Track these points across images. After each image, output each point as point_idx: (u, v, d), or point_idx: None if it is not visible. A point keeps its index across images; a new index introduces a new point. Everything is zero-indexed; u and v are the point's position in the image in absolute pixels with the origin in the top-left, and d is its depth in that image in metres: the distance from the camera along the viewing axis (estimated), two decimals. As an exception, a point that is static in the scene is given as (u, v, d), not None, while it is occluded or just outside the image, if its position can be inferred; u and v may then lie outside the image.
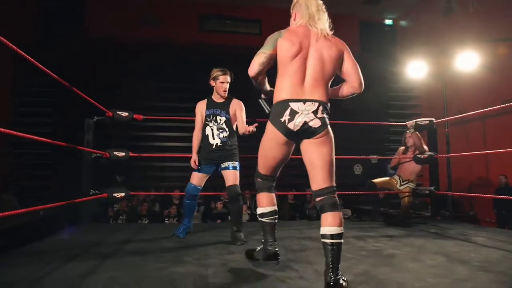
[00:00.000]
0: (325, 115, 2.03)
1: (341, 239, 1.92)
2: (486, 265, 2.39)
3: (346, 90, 2.18)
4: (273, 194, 2.24)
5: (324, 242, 1.91)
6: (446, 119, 4.96)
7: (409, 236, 3.55)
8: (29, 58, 2.39)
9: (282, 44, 2.03)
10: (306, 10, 2.11)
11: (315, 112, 1.99)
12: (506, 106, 3.88)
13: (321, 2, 2.18)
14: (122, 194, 4.00)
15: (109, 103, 4.22)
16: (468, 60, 5.50)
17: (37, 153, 8.07)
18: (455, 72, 6.00)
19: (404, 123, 5.29)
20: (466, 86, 6.99)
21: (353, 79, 2.12)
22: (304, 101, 1.99)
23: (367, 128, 9.23)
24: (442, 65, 6.00)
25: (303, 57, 2.01)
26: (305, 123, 1.98)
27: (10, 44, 2.14)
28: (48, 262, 2.38)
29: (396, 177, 4.78)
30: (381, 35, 10.26)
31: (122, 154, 4.07)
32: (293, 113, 1.98)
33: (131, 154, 4.15)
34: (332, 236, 1.90)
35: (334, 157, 2.04)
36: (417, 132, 4.59)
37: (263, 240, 2.20)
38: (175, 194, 7.09)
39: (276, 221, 2.21)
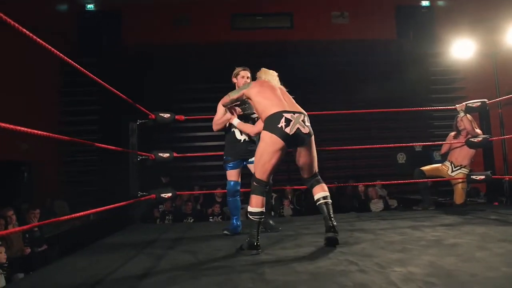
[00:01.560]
0: (309, 125, 2.63)
1: (329, 199, 2.69)
2: None
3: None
4: (264, 198, 2.62)
5: (319, 203, 2.68)
6: (498, 99, 4.65)
7: (468, 223, 3.35)
8: (76, 65, 2.44)
9: (252, 89, 2.83)
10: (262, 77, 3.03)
11: (303, 121, 2.57)
12: None
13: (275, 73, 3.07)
14: (170, 194, 4.06)
15: (148, 107, 4.30)
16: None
17: (84, 160, 8.40)
18: (504, 49, 5.63)
19: (447, 107, 5.03)
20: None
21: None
22: (294, 112, 2.56)
23: (408, 116, 8.91)
24: (490, 42, 5.64)
25: (275, 93, 2.73)
26: (298, 129, 2.51)
27: (58, 53, 2.19)
28: (106, 265, 2.43)
29: (448, 163, 4.55)
30: (418, 19, 9.82)
31: (167, 155, 4.13)
32: (288, 121, 2.50)
33: (175, 154, 4.20)
34: (324, 197, 2.68)
35: (316, 153, 2.74)
36: (467, 115, 4.34)
37: (249, 233, 2.60)
38: (218, 192, 7.17)
39: (262, 220, 2.64)
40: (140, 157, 4.24)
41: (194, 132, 8.81)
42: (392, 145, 7.50)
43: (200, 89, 8.95)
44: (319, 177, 2.77)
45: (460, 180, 4.40)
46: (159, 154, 4.08)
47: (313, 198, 2.74)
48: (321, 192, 2.68)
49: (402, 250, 2.42)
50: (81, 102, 8.61)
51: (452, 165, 4.50)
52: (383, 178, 7.61)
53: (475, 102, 4.35)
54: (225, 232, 3.36)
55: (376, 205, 6.86)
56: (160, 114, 4.09)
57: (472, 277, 1.82)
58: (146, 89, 8.29)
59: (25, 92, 7.31)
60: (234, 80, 3.46)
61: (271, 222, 3.42)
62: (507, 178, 4.62)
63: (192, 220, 6.50)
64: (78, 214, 2.61)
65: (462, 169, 4.43)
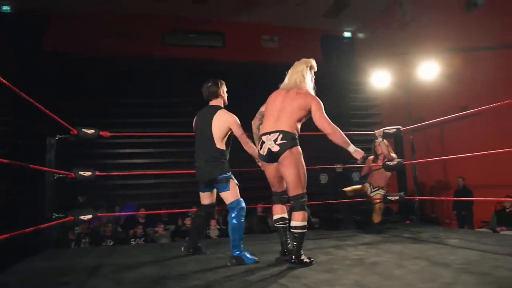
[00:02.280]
0: (284, 141, 2.69)
1: (304, 230, 2.73)
2: (467, 266, 2.44)
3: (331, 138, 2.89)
4: (283, 206, 2.96)
5: (292, 232, 2.73)
6: (410, 127, 5.13)
7: (385, 242, 3.59)
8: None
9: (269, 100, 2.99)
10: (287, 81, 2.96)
11: (275, 140, 2.71)
12: (463, 114, 4.07)
13: (303, 67, 2.98)
14: (89, 216, 3.78)
15: (71, 121, 4.01)
16: (429, 69, 5.77)
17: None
18: (416, 81, 6.26)
19: (368, 132, 5.43)
20: (426, 94, 7.31)
21: (324, 130, 2.86)
22: (270, 133, 2.76)
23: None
24: (403, 74, 6.25)
25: (275, 107, 2.84)
26: (269, 149, 2.73)
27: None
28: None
29: (367, 185, 4.87)
30: (341, 48, 10.57)
31: (88, 173, 3.85)
32: (262, 143, 2.79)
33: (97, 173, 3.94)
34: (296, 227, 2.70)
35: (301, 172, 2.72)
36: (384, 140, 4.71)
37: (280, 242, 2.96)
38: (141, 213, 6.84)
39: (287, 225, 2.90)
40: (58, 176, 3.90)
41: (119, 148, 8.38)
42: (314, 167, 7.82)
43: (129, 104, 8.61)
44: (302, 201, 2.72)
45: (378, 200, 4.72)
46: (80, 172, 3.79)
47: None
48: (296, 220, 2.70)
49: (329, 270, 2.51)
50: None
51: (371, 186, 4.82)
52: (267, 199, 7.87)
53: (391, 129, 4.74)
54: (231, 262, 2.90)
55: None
56: (83, 130, 3.82)
57: (394, 295, 1.94)
58: (69, 101, 7.77)
59: None
60: (222, 93, 3.23)
61: (199, 244, 3.37)
62: (417, 199, 5.06)
63: (111, 243, 6.09)
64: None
65: (380, 190, 4.76)
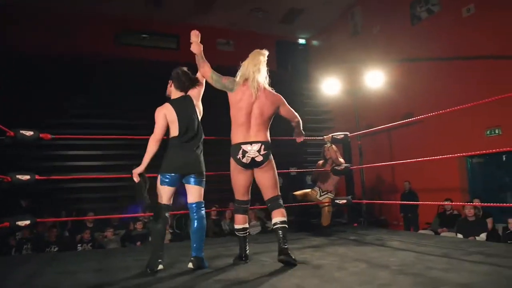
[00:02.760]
0: (266, 152, 2.86)
1: (286, 225, 2.88)
2: (404, 268, 2.56)
3: (294, 124, 3.19)
4: (246, 216, 3.05)
5: (275, 228, 2.86)
6: (358, 133, 5.32)
7: (332, 245, 3.69)
8: None
9: (233, 96, 2.87)
10: (242, 73, 2.89)
11: (259, 151, 2.82)
12: (408, 121, 4.29)
13: (261, 59, 2.93)
14: (27, 222, 3.56)
15: (17, 121, 3.78)
16: (375, 78, 6.02)
17: None
18: (364, 89, 6.51)
19: (320, 137, 5.56)
20: (374, 102, 7.63)
21: (292, 119, 3.10)
22: (251, 143, 2.82)
23: (285, 143, 9.55)
24: (352, 82, 6.48)
25: (248, 112, 2.82)
26: (252, 158, 2.83)
27: None
28: None
29: (316, 189, 4.98)
30: (295, 54, 10.78)
31: (27, 177, 3.63)
32: (244, 152, 2.82)
33: (37, 177, 3.73)
34: (281, 222, 2.86)
35: (276, 175, 2.97)
36: (333, 146, 4.84)
37: (239, 247, 3.03)
38: (89, 218, 6.58)
39: (247, 234, 3.06)
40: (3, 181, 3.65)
41: (63, 150, 8.00)
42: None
43: (77, 105, 8.27)
44: (280, 201, 2.94)
45: (326, 204, 4.84)
46: (18, 176, 3.57)
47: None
48: (279, 217, 2.87)
49: (272, 273, 2.54)
50: None
51: (320, 190, 4.94)
52: (258, 201, 7.94)
53: (339, 134, 4.89)
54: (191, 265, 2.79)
55: (254, 228, 7.09)
56: (21, 132, 3.60)
57: (330, 297, 1.99)
58: (17, 102, 7.36)
59: None
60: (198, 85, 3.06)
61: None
62: (365, 202, 5.25)
63: (56, 249, 5.80)
64: None
65: (329, 194, 4.89)
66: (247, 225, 3.06)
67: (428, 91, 7.13)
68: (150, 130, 2.90)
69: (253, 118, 2.84)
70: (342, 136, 4.88)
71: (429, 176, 7.23)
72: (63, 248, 5.87)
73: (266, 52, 3.00)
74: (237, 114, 2.86)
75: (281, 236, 2.80)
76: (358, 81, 6.40)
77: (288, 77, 10.40)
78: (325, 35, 10.44)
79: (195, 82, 3.02)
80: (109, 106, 8.22)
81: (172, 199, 2.93)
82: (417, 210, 7.45)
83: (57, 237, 6.10)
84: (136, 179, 2.78)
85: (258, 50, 2.98)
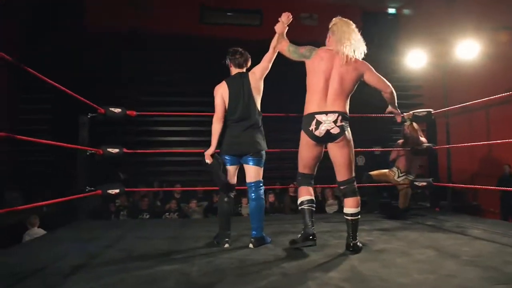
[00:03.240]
0: (343, 123, 2.60)
1: (358, 216, 2.64)
2: (476, 259, 2.34)
3: (385, 97, 2.82)
4: (311, 188, 2.77)
5: (346, 219, 2.63)
6: (445, 109, 4.86)
7: (404, 229, 3.50)
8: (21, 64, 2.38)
9: (310, 63, 2.68)
10: (334, 37, 2.68)
11: (335, 122, 2.57)
12: (509, 94, 3.79)
13: (352, 27, 2.72)
14: (117, 191, 4.00)
15: (109, 98, 4.18)
16: (469, 49, 5.39)
17: (38, 150, 8.09)
18: (456, 61, 5.88)
19: (404, 114, 5.19)
20: (468, 76, 6.86)
21: (383, 89, 2.75)
22: (327, 112, 2.59)
23: (369, 120, 9.14)
24: (442, 54, 5.87)
25: (326, 78, 2.61)
26: (327, 130, 2.57)
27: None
28: (39, 259, 2.39)
29: (395, 169, 4.72)
30: (384, 25, 10.09)
31: (116, 150, 4.06)
32: (318, 123, 2.58)
33: (125, 150, 4.14)
34: (352, 215, 2.63)
35: (353, 154, 2.68)
36: (413, 124, 4.51)
37: (303, 225, 2.66)
38: (177, 189, 7.14)
39: (314, 208, 2.72)
40: (89, 152, 4.15)
41: (155, 126, 8.70)
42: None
43: (163, 82, 8.86)
44: (355, 185, 2.68)
45: (405, 186, 4.58)
46: (108, 149, 4.01)
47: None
48: (352, 207, 2.63)
49: (331, 255, 2.51)
50: (35, 89, 8.21)
51: (399, 171, 4.67)
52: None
53: (421, 112, 4.52)
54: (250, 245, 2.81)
55: (331, 207, 7.02)
56: (110, 109, 4.02)
57: (382, 282, 1.92)
58: (108, 80, 8.15)
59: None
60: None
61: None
62: (450, 186, 4.84)
63: (147, 216, 6.43)
64: (19, 207, 2.65)
65: (408, 175, 4.61)
66: (312, 197, 2.74)
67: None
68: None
69: (332, 85, 2.61)
70: (425, 113, 4.50)
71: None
72: (153, 215, 6.49)
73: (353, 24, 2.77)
74: (313, 80, 2.65)
75: (351, 230, 2.61)
76: (448, 52, 5.77)
77: (373, 50, 9.79)
78: (417, 2, 9.56)
79: (248, 58, 3.00)
80: (191, 85, 8.64)
81: (235, 177, 2.97)
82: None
83: (148, 206, 6.74)
84: (209, 160, 2.85)
85: (343, 19, 2.77)
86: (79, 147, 4.04)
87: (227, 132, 2.93)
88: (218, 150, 2.92)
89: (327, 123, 2.57)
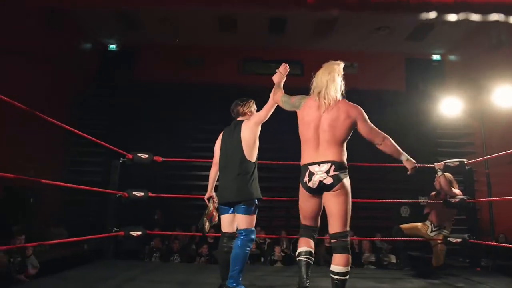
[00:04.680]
0: (338, 173, 2.47)
1: (347, 276, 2.43)
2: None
3: (381, 149, 2.63)
4: (311, 240, 2.63)
5: (332, 277, 2.44)
6: (483, 158, 4.56)
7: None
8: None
9: (300, 113, 2.64)
10: (316, 83, 2.65)
11: (327, 172, 2.46)
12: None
13: (333, 74, 2.65)
14: (139, 233, 4.14)
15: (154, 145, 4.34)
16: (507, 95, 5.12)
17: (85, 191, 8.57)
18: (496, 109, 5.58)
19: (435, 164, 4.93)
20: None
21: (374, 140, 2.60)
22: (319, 163, 2.50)
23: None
24: (480, 102, 5.61)
25: (316, 127, 2.54)
26: (320, 181, 2.47)
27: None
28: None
29: (428, 223, 4.43)
30: (428, 71, 9.89)
31: (141, 194, 4.25)
32: (311, 174, 2.49)
33: (150, 194, 4.32)
34: (338, 274, 2.41)
35: (349, 206, 2.51)
36: (445, 174, 4.26)
37: (298, 278, 2.53)
38: (211, 234, 7.17)
39: (312, 262, 2.57)
40: (119, 195, 4.37)
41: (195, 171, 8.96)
42: (394, 200, 7.29)
43: (206, 129, 9.20)
44: (346, 241, 2.47)
45: (439, 241, 4.26)
46: (133, 193, 4.21)
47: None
48: (340, 265, 2.42)
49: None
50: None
51: (432, 225, 4.38)
52: (384, 231, 7.38)
53: (453, 162, 4.28)
54: None
55: (368, 259, 6.64)
56: (137, 154, 4.26)
57: None
58: (149, 126, 8.69)
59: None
60: (247, 111, 3.10)
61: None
62: (490, 243, 4.42)
63: (178, 260, 6.49)
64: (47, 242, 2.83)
65: (442, 230, 4.30)
66: (311, 249, 2.59)
67: None
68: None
69: (322, 133, 2.53)
70: (457, 163, 4.26)
71: None
72: (184, 259, 6.53)
73: (341, 62, 2.77)
74: (303, 130, 2.61)
75: None
76: (487, 100, 5.50)
77: (418, 97, 9.57)
78: (462, 49, 9.31)
79: (237, 114, 3.07)
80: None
81: (233, 225, 2.91)
82: None
83: (181, 249, 6.81)
84: (207, 202, 2.98)
85: (333, 61, 2.76)
86: (107, 191, 4.29)
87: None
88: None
89: (319, 174, 2.47)
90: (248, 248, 2.78)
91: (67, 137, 8.20)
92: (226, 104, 9.36)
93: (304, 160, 2.58)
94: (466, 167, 4.30)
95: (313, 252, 2.59)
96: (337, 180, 2.46)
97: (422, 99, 9.50)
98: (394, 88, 9.68)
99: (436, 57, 10.04)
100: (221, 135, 3.10)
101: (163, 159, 4.40)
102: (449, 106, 5.95)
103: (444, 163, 4.33)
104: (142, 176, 6.97)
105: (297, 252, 2.62)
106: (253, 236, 2.84)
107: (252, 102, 3.16)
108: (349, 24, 9.01)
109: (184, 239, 7.33)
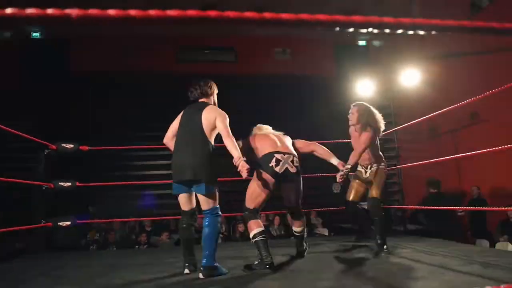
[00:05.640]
0: (298, 164, 3.09)
1: (303, 232, 3.43)
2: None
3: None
4: (258, 219, 2.99)
5: (295, 234, 3.43)
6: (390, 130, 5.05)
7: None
8: None
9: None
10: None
11: (292, 162, 3.03)
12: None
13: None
14: (68, 223, 4.15)
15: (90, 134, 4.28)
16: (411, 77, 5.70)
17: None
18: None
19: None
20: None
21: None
22: (284, 153, 3.05)
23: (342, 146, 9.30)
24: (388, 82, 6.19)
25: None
26: (286, 168, 2.98)
27: None
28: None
29: (359, 168, 3.88)
30: (355, 57, 10.50)
31: (68, 184, 4.24)
32: (278, 161, 2.98)
33: (77, 183, 4.32)
34: (299, 232, 3.39)
35: (302, 188, 3.19)
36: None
37: (259, 256, 2.84)
38: (145, 219, 7.20)
39: (266, 238, 2.91)
40: (45, 187, 4.32)
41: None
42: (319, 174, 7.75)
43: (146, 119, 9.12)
44: (302, 210, 3.35)
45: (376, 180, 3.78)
46: (60, 183, 4.19)
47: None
48: (297, 227, 3.37)
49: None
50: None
51: (363, 167, 3.89)
52: (318, 207, 7.80)
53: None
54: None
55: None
56: (62, 145, 4.23)
57: None
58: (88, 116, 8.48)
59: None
60: (212, 93, 3.07)
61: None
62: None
63: (114, 249, 6.49)
64: None
65: (374, 165, 3.87)
66: (263, 228, 2.95)
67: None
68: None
69: (277, 138, 3.26)
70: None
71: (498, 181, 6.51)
72: (123, 247, 6.53)
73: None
74: (258, 141, 3.22)
75: (298, 242, 3.43)
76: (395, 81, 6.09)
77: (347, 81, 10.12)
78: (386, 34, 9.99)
79: (203, 94, 3.02)
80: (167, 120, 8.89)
81: (190, 203, 2.89)
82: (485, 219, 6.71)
83: (119, 240, 6.80)
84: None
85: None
86: (34, 182, 4.23)
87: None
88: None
89: (286, 161, 3.00)
90: (218, 225, 2.81)
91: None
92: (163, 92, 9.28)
93: (268, 150, 3.06)
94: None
95: (264, 229, 2.99)
96: (298, 171, 3.10)
97: (350, 83, 10.07)
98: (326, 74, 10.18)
99: (361, 43, 10.66)
100: (181, 114, 3.02)
101: (89, 148, 4.41)
102: (364, 88, 6.45)
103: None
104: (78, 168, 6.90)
105: (251, 234, 2.91)
106: (219, 212, 2.84)
107: (214, 84, 3.11)
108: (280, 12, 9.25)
109: (123, 229, 7.31)
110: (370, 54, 10.64)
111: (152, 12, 0.79)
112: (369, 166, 3.79)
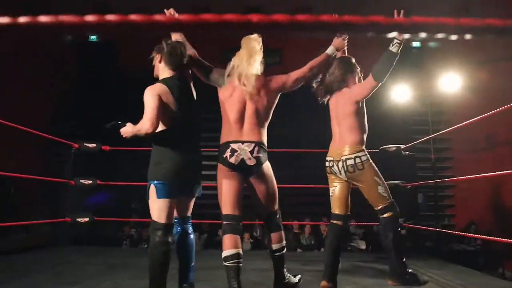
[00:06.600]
0: (261, 155, 2.38)
1: (283, 251, 2.48)
2: None
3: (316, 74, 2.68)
4: (238, 237, 2.32)
5: (272, 255, 2.49)
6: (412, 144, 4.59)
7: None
8: None
9: (223, 92, 2.47)
10: (239, 63, 2.41)
11: (251, 152, 2.35)
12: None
13: (256, 47, 2.45)
14: (86, 219, 4.33)
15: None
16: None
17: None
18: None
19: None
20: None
21: (312, 70, 2.60)
22: (243, 142, 2.37)
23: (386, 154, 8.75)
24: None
25: (240, 110, 2.40)
26: (242, 160, 2.33)
27: None
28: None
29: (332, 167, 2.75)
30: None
31: (88, 182, 4.42)
32: (233, 151, 2.34)
33: (98, 182, 4.49)
34: (275, 251, 2.46)
35: (274, 186, 2.51)
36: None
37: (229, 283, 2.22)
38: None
39: (241, 265, 2.26)
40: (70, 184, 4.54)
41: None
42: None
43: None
44: (279, 218, 2.52)
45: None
46: (81, 180, 4.38)
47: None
48: (273, 243, 2.46)
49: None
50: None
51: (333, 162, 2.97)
52: (359, 218, 7.37)
53: (390, 147, 4.37)
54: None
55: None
56: (84, 144, 4.42)
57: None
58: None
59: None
60: None
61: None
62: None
63: (146, 246, 6.69)
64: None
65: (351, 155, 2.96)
66: (239, 250, 2.27)
67: None
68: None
69: (247, 117, 2.40)
70: (394, 148, 4.36)
71: None
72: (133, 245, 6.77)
73: (259, 38, 2.49)
74: (227, 112, 2.43)
75: (275, 266, 2.49)
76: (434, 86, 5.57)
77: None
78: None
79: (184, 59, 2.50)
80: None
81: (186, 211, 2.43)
82: None
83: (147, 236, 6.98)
84: None
85: (249, 36, 2.48)
86: (57, 180, 4.47)
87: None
88: None
89: (242, 152, 2.33)
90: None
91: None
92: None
93: (225, 137, 2.42)
94: (403, 153, 4.37)
95: (241, 253, 2.28)
96: (260, 162, 2.39)
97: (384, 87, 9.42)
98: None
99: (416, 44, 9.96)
100: (164, 90, 2.29)
101: (110, 148, 4.56)
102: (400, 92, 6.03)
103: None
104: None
105: (223, 255, 2.27)
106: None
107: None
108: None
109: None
110: (410, 57, 9.91)
111: (206, 16, 0.82)
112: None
